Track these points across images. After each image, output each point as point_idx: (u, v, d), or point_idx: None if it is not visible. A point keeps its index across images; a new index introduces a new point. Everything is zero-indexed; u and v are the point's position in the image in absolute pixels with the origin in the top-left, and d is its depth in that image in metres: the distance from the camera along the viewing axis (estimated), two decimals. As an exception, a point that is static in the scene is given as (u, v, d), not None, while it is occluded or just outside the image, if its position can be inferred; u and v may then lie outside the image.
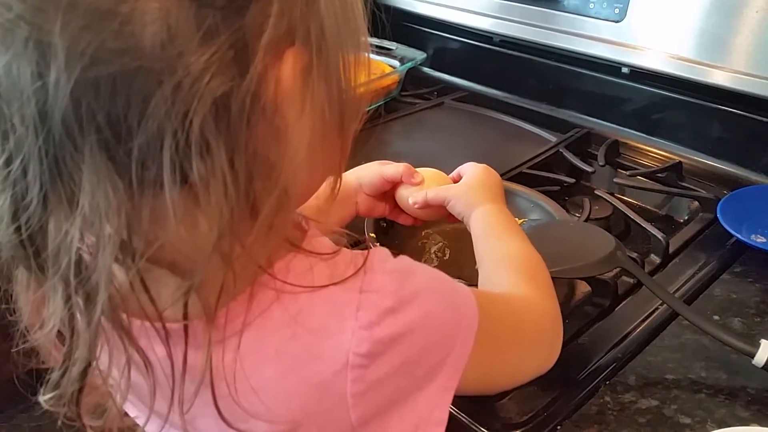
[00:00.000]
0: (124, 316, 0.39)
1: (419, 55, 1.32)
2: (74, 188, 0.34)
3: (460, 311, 0.46)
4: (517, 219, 0.81)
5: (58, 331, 0.39)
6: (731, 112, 1.01)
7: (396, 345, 0.41)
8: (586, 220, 0.88)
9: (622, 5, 1.04)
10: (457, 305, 0.46)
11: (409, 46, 1.33)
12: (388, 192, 0.73)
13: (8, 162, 0.34)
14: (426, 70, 1.40)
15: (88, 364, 0.39)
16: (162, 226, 0.37)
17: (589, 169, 1.03)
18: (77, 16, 0.32)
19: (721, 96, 1.00)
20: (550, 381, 0.58)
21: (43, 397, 0.41)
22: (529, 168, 1.02)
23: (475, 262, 0.63)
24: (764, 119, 0.97)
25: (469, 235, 0.66)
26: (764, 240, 0.82)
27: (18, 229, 0.36)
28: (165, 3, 0.33)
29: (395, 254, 0.45)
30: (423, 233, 0.85)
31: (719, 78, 0.97)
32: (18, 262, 0.38)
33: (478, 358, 0.46)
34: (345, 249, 0.45)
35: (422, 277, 0.45)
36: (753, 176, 0.98)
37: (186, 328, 0.40)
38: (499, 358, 0.52)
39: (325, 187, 0.47)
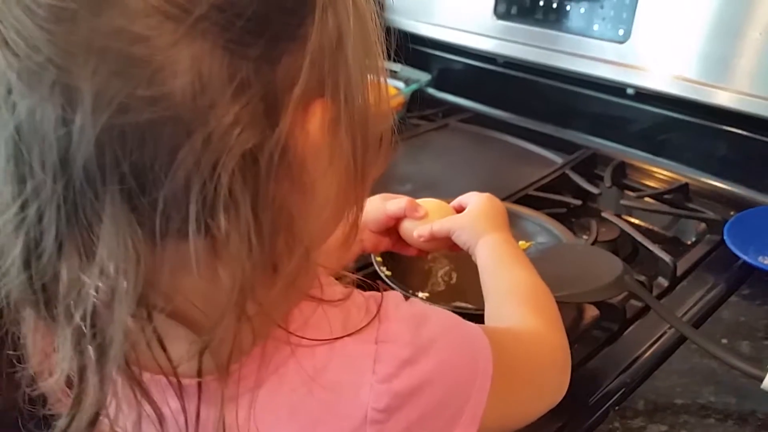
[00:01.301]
0: (135, 367, 0.38)
1: (424, 77, 1.33)
2: (92, 237, 0.33)
3: (475, 355, 0.45)
4: (523, 242, 0.82)
5: (67, 377, 0.38)
6: (737, 133, 1.01)
7: (414, 397, 0.41)
8: (593, 243, 0.88)
9: (626, 26, 1.05)
10: (472, 350, 0.45)
11: (414, 67, 1.34)
12: (392, 226, 0.73)
13: (23, 207, 0.33)
14: (431, 91, 1.41)
15: (97, 412, 0.37)
16: (179, 278, 0.36)
17: (595, 190, 1.03)
18: (108, 61, 0.31)
19: (727, 117, 1.00)
20: (559, 407, 0.57)
21: None
22: (535, 190, 1.02)
23: (480, 287, 0.63)
24: (769, 140, 0.98)
25: (476, 259, 0.66)
26: (772, 262, 0.82)
27: (30, 277, 0.35)
28: (198, 52, 0.32)
29: (406, 297, 0.45)
30: (429, 256, 0.84)
31: (724, 99, 0.97)
32: (28, 308, 0.37)
33: (495, 399, 0.45)
34: (356, 291, 0.44)
35: (436, 322, 0.44)
36: (760, 197, 0.98)
37: (200, 384, 0.39)
38: (515, 397, 0.51)
39: (338, 234, 0.46)
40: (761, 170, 0.99)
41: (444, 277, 0.83)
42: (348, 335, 0.40)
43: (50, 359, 0.40)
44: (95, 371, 0.36)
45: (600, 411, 0.63)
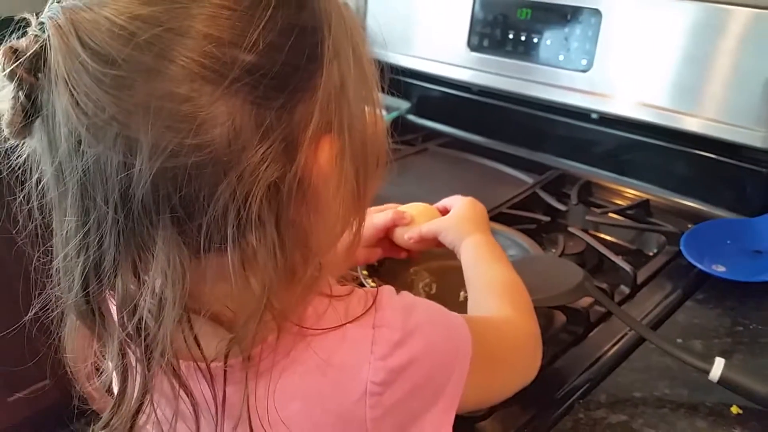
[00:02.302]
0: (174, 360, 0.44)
1: (404, 105, 1.39)
2: (147, 257, 0.40)
3: (456, 340, 0.52)
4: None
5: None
6: (694, 153, 1.08)
7: (405, 372, 0.47)
8: (560, 255, 0.94)
9: (588, 57, 1.12)
10: (453, 335, 0.52)
11: (394, 96, 1.39)
12: (381, 237, 0.79)
13: (87, 234, 0.40)
14: (411, 118, 1.46)
15: (140, 407, 0.43)
16: (215, 286, 0.43)
17: (563, 207, 1.09)
18: (162, 118, 0.37)
19: (687, 139, 1.07)
20: (529, 400, 0.64)
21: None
22: (508, 208, 1.08)
23: (458, 296, 0.70)
24: (728, 160, 1.05)
25: (453, 271, 0.72)
26: (724, 269, 0.88)
27: (87, 293, 0.41)
28: (232, 108, 0.39)
29: (397, 290, 0.51)
30: (411, 270, 0.90)
31: (685, 123, 1.04)
32: (82, 321, 0.43)
33: (474, 378, 0.51)
34: (357, 288, 0.50)
35: (422, 310, 0.51)
36: (716, 211, 1.05)
37: (225, 370, 0.45)
38: (492, 377, 0.58)
39: (343, 242, 0.52)
40: (718, 187, 1.07)
41: (425, 288, 0.88)
42: (350, 322, 0.47)
43: (89, 363, 0.46)
44: (140, 371, 0.42)
45: (566, 404, 0.68)
